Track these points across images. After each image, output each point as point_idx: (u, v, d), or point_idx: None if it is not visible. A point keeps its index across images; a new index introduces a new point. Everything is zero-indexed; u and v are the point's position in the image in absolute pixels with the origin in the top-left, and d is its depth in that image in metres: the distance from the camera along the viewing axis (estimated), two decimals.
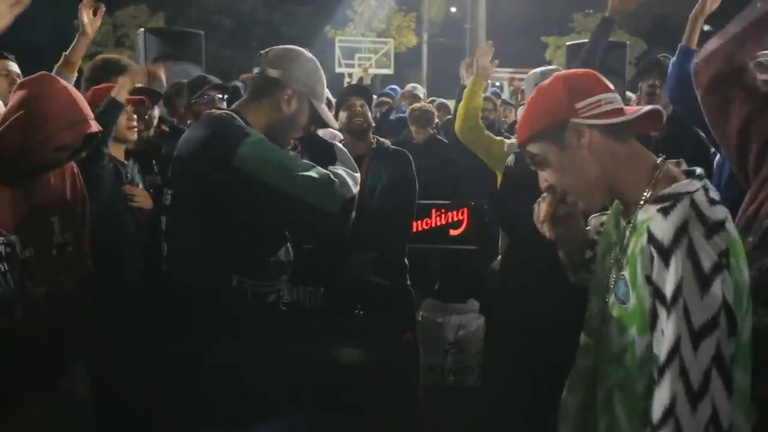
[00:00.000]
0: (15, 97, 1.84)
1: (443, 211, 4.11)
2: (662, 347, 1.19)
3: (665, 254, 1.19)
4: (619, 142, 1.35)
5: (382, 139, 3.13)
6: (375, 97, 5.85)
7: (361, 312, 2.95)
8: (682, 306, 1.16)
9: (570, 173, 1.37)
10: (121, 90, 2.51)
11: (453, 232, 4.13)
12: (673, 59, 2.81)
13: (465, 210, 4.12)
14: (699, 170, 1.32)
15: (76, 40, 2.90)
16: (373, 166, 3.00)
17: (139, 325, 2.48)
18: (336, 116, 3.15)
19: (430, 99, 7.68)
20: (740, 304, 1.19)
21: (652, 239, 1.23)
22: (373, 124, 3.14)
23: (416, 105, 5.16)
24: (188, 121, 3.65)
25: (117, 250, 2.51)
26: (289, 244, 2.07)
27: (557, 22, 24.61)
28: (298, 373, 2.13)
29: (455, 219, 4.12)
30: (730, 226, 1.23)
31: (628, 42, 6.47)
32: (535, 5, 25.63)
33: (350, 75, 18.92)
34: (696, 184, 1.27)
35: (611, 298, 1.37)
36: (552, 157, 1.37)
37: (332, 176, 1.86)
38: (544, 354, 2.45)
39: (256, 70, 1.98)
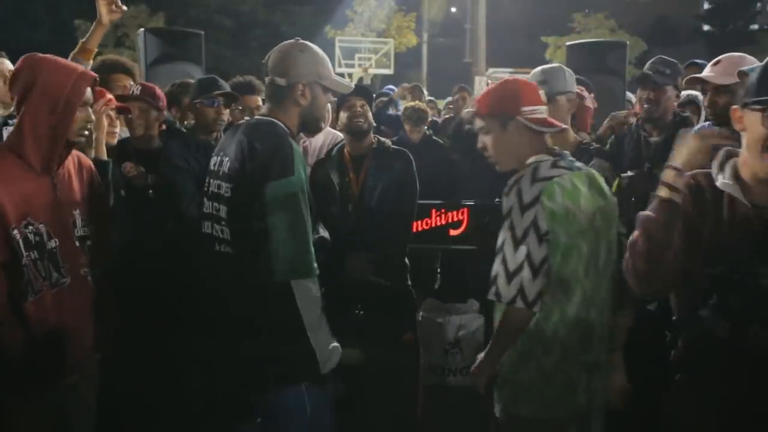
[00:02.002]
0: (15, 90, 1.92)
1: (443, 211, 4.11)
2: (497, 245, 1.92)
3: (506, 193, 1.93)
4: (538, 139, 2.04)
5: (383, 139, 3.13)
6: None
7: (361, 312, 2.95)
8: (508, 222, 1.89)
9: (501, 146, 2.05)
10: (100, 150, 2.43)
11: (453, 232, 4.13)
12: None
13: (465, 210, 4.12)
14: (565, 153, 2.04)
15: (93, 27, 2.92)
16: (374, 166, 3.00)
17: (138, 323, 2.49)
18: (336, 116, 3.15)
19: (429, 99, 7.70)
20: (566, 225, 1.88)
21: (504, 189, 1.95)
22: (374, 124, 3.14)
23: (409, 104, 5.17)
24: (185, 122, 3.65)
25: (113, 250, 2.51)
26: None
27: (557, 22, 24.61)
28: None
29: (455, 219, 4.12)
30: (560, 180, 1.90)
31: (628, 42, 6.47)
32: (534, 5, 25.68)
33: (350, 75, 18.90)
34: (545, 158, 1.98)
35: None
36: (494, 131, 2.04)
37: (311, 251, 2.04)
38: None
39: (266, 79, 2.16)
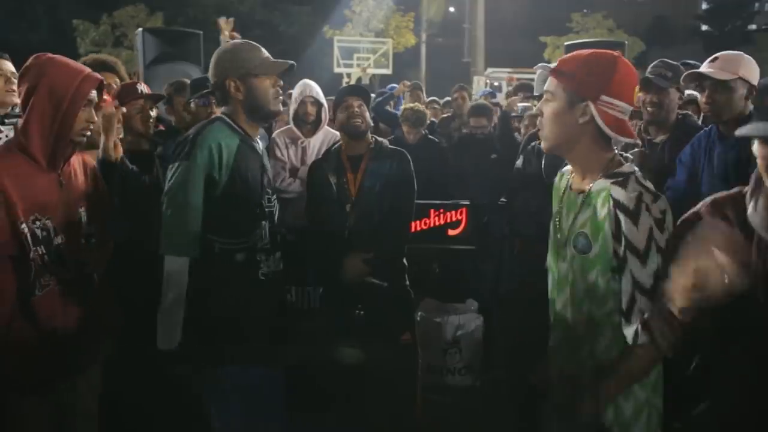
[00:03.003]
0: (22, 88, 1.96)
1: (442, 211, 4.12)
2: (644, 283, 1.60)
3: (633, 216, 1.60)
4: (599, 136, 1.70)
5: (380, 139, 3.12)
6: (373, 96, 5.86)
7: (362, 312, 2.95)
8: (653, 251, 1.58)
9: (558, 123, 1.71)
10: (108, 149, 2.48)
11: (451, 232, 4.13)
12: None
13: (463, 210, 4.13)
14: (630, 157, 1.77)
15: None
16: (371, 167, 2.98)
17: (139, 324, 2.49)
18: (333, 116, 3.14)
19: (431, 99, 7.70)
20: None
21: (618, 204, 1.62)
22: (371, 124, 3.13)
23: (408, 105, 5.16)
24: (181, 121, 3.65)
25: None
26: (264, 218, 2.35)
27: (555, 22, 24.61)
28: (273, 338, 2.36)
29: (454, 219, 4.12)
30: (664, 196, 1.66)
31: (626, 41, 6.48)
32: (533, 5, 25.70)
33: (349, 75, 18.88)
34: (634, 167, 1.71)
35: (569, 251, 1.75)
36: (558, 102, 1.70)
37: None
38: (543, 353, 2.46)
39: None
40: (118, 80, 3.18)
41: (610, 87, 1.64)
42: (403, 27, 23.96)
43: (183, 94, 3.55)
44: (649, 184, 1.66)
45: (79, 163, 2.13)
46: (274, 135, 3.95)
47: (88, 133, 2.06)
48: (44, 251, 1.89)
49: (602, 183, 1.68)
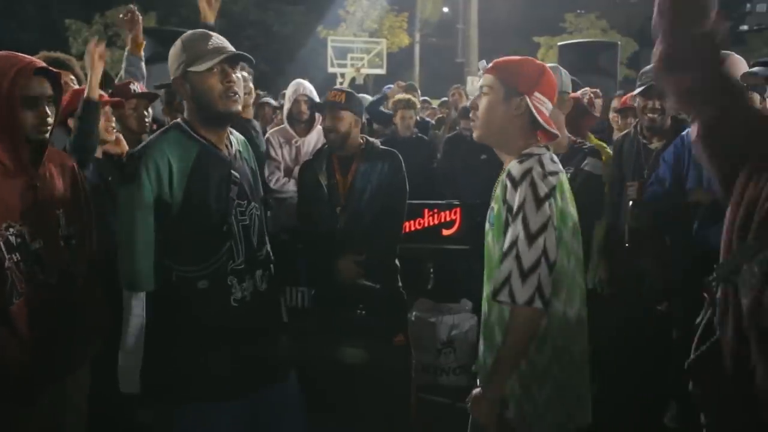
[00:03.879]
0: None
1: (436, 211, 4.11)
2: (506, 242, 1.76)
3: (515, 184, 1.78)
4: (527, 129, 1.90)
5: (371, 139, 3.11)
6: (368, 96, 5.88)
7: (364, 312, 2.95)
8: (521, 216, 1.73)
9: (492, 114, 1.90)
10: (92, 88, 2.55)
11: (446, 232, 4.13)
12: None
13: (458, 210, 4.13)
14: (548, 146, 1.92)
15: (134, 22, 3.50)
16: (362, 168, 2.96)
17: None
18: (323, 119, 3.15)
19: (423, 99, 7.72)
20: (564, 224, 1.81)
21: (509, 175, 1.81)
22: (357, 128, 3.07)
23: (399, 95, 5.22)
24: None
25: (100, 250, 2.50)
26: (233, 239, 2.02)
27: (549, 23, 24.66)
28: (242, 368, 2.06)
29: (448, 219, 4.12)
30: (561, 176, 1.84)
31: (619, 42, 6.50)
32: (526, 5, 25.71)
33: (342, 75, 18.89)
34: (544, 151, 1.88)
35: (486, 226, 1.93)
36: (494, 96, 1.90)
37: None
38: None
39: None
40: (73, 77, 3.11)
41: (540, 86, 1.88)
42: (397, 27, 23.97)
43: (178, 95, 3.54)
44: (552, 166, 1.83)
45: (56, 164, 2.04)
46: (268, 134, 3.95)
47: (46, 128, 1.91)
48: (20, 258, 1.81)
49: (512, 163, 1.85)
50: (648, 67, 3.15)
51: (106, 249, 2.32)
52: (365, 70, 19.28)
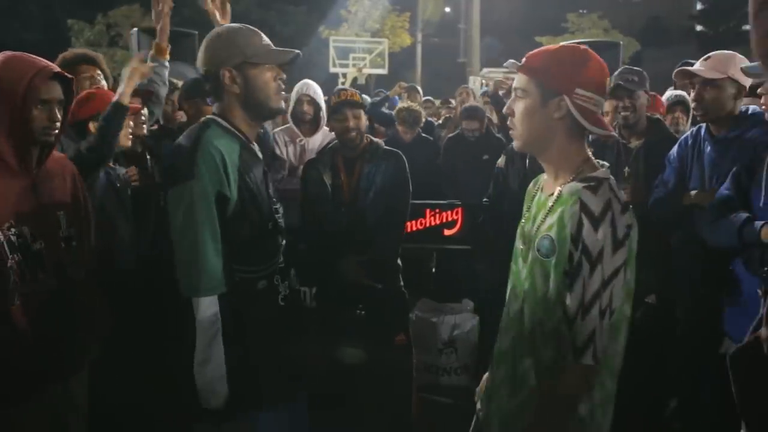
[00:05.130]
0: None
1: (437, 211, 4.12)
2: (587, 292, 1.51)
3: (595, 222, 1.50)
4: (576, 133, 1.63)
5: (375, 140, 3.12)
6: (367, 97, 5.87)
7: (363, 312, 2.95)
8: (601, 263, 1.49)
9: (531, 121, 1.63)
10: (125, 95, 2.56)
11: (447, 232, 4.13)
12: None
13: (459, 210, 4.13)
14: (606, 164, 1.68)
15: (161, 25, 3.01)
16: (366, 169, 2.98)
17: (133, 326, 2.48)
18: (328, 120, 3.14)
19: (425, 98, 7.73)
20: (630, 264, 1.56)
21: (584, 208, 1.52)
22: (365, 131, 3.10)
23: (403, 105, 5.20)
24: (177, 120, 3.64)
25: (108, 252, 2.51)
26: (279, 236, 2.06)
27: (551, 22, 24.64)
28: (293, 368, 2.09)
29: (449, 219, 4.13)
30: (632, 210, 1.58)
31: (621, 42, 6.49)
32: (528, 5, 25.71)
33: (344, 75, 18.88)
34: (609, 174, 1.63)
35: (532, 254, 1.65)
36: (531, 99, 1.62)
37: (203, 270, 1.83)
38: None
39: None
40: (99, 72, 3.13)
41: (583, 79, 1.59)
42: (399, 27, 23.96)
43: (175, 95, 3.54)
44: (621, 194, 1.58)
45: (58, 166, 2.06)
46: (273, 133, 3.95)
47: (54, 131, 1.94)
48: (21, 258, 1.82)
49: (574, 186, 1.59)
50: (619, 69, 3.23)
51: (112, 252, 2.34)
52: (367, 70, 19.25)
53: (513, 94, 1.68)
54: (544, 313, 1.62)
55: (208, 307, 1.80)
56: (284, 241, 2.06)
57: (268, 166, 2.40)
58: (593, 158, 1.67)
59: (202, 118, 2.01)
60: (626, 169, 3.11)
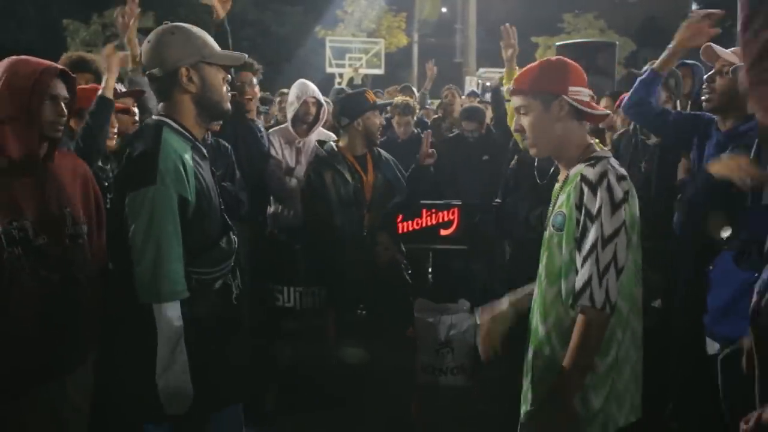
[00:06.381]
0: None
1: (434, 211, 4.11)
2: (585, 245, 1.75)
3: (593, 187, 1.75)
4: (580, 125, 1.90)
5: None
6: None
7: (364, 312, 2.99)
8: (599, 221, 1.72)
9: (541, 128, 1.88)
10: (108, 88, 2.58)
11: (444, 232, 4.13)
12: (641, 78, 2.83)
13: (455, 210, 4.13)
14: (607, 147, 1.88)
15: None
16: (378, 167, 3.09)
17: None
18: (338, 120, 3.24)
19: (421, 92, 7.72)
20: (633, 228, 1.79)
21: (584, 179, 1.78)
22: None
23: (399, 99, 5.24)
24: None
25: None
26: (231, 234, 2.03)
27: (547, 23, 24.66)
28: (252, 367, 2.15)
29: (446, 219, 4.12)
30: (630, 181, 1.80)
31: (617, 42, 6.51)
32: (525, 5, 25.69)
33: (341, 75, 18.88)
34: (609, 154, 1.88)
35: (549, 230, 1.89)
36: (535, 112, 1.87)
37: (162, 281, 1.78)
38: None
39: (146, 76, 1.93)
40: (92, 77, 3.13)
41: (570, 78, 1.86)
42: (395, 27, 23.96)
43: None
44: (621, 169, 1.82)
45: (69, 164, 2.10)
46: (268, 134, 3.95)
47: (61, 127, 1.99)
48: (21, 252, 1.84)
49: (579, 167, 1.84)
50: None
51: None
52: (363, 70, 19.26)
53: (516, 114, 1.92)
54: (565, 280, 1.83)
55: (170, 312, 1.76)
56: (236, 240, 2.03)
57: (264, 165, 2.44)
58: (595, 145, 1.90)
59: (149, 119, 1.96)
60: (643, 164, 3.11)
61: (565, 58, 1.96)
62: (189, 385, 1.79)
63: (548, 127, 1.86)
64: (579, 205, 1.78)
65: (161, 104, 1.94)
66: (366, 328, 2.96)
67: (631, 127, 3.32)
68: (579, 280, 1.75)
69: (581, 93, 1.86)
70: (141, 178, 1.76)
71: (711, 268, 2.42)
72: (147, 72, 1.90)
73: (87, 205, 2.12)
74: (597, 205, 1.73)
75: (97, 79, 3.13)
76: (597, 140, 1.96)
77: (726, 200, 2.37)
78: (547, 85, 1.86)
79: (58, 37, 19.72)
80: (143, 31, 5.93)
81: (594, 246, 1.72)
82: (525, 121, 1.89)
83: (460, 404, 3.66)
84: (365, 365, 2.92)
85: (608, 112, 1.93)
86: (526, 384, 1.97)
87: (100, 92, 2.58)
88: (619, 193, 1.74)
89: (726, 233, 2.34)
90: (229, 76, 1.99)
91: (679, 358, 2.89)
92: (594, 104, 1.90)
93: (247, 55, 1.99)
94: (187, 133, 1.90)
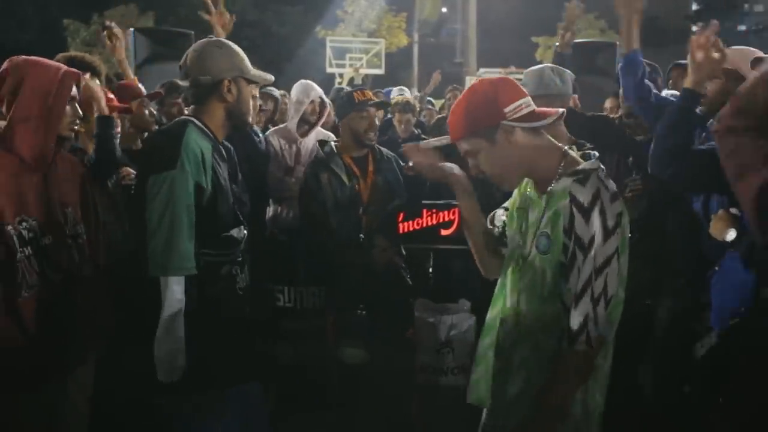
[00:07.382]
0: (5, 90, 1.95)
1: (434, 211, 4.11)
2: (579, 280, 1.60)
3: (585, 213, 1.59)
4: (537, 137, 1.71)
5: (376, 145, 3.22)
6: None
7: (364, 312, 2.99)
8: (593, 251, 1.58)
9: (498, 163, 1.72)
10: (99, 104, 2.52)
11: (444, 232, 4.13)
12: (622, 64, 2.79)
13: (456, 210, 4.12)
14: (594, 154, 1.73)
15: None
16: (378, 169, 3.10)
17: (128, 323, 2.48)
18: (339, 117, 3.22)
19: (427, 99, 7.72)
20: (623, 251, 1.65)
21: (574, 201, 1.61)
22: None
23: (397, 98, 5.27)
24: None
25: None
26: (242, 228, 2.23)
27: (547, 23, 24.65)
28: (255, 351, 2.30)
29: (446, 219, 4.12)
30: (621, 200, 1.65)
31: (618, 42, 6.50)
32: (525, 6, 25.73)
33: (341, 75, 18.88)
34: (596, 164, 1.69)
35: (533, 252, 1.72)
36: (484, 150, 1.70)
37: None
38: None
39: (184, 81, 2.19)
40: (98, 81, 3.14)
41: (500, 100, 1.67)
42: (396, 27, 23.98)
43: (174, 95, 3.54)
44: (611, 183, 1.67)
45: (67, 164, 2.12)
46: (267, 134, 3.95)
47: (75, 127, 2.08)
48: (31, 252, 1.87)
49: (565, 181, 1.67)
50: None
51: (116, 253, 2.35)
52: (364, 71, 19.26)
53: (469, 162, 1.78)
54: (544, 304, 1.71)
55: (176, 286, 1.97)
56: (246, 234, 2.23)
57: (263, 167, 2.48)
58: (569, 150, 1.73)
59: (178, 118, 2.22)
60: (630, 159, 3.11)
61: (484, 78, 1.79)
62: (182, 354, 1.98)
63: (504, 158, 1.70)
64: (568, 231, 1.63)
65: (192, 107, 2.19)
66: (366, 329, 2.95)
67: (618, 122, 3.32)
68: (574, 322, 1.61)
69: (520, 107, 1.68)
70: (164, 163, 2.00)
71: (716, 268, 2.42)
72: (191, 77, 2.14)
73: (86, 205, 2.14)
74: (590, 234, 1.59)
75: (98, 76, 3.17)
76: (572, 143, 1.83)
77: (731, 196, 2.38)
78: (481, 122, 1.69)
79: (58, 37, 19.74)
80: (142, 31, 5.93)
81: (588, 282, 1.59)
82: (479, 160, 1.74)
83: (460, 404, 3.66)
84: (365, 365, 2.92)
85: (556, 111, 1.71)
86: (477, 376, 1.94)
87: (96, 114, 2.54)
88: (612, 217, 1.59)
89: (731, 236, 2.33)
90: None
91: (668, 355, 2.89)
92: (536, 111, 1.70)
93: (272, 77, 2.25)
94: (210, 134, 2.14)
